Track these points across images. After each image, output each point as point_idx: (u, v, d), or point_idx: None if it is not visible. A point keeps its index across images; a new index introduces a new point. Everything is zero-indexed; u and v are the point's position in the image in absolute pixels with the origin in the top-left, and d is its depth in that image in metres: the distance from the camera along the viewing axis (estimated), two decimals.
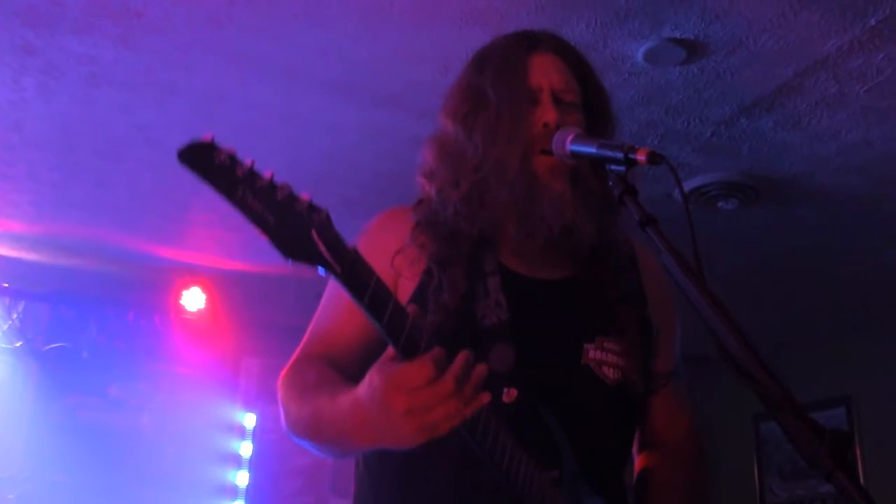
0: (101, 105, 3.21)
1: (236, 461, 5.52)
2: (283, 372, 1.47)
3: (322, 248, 1.10)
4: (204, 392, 5.45)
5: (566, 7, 2.59)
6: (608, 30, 2.68)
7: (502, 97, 1.47)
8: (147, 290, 5.16)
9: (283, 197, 1.09)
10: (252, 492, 5.47)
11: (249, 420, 5.58)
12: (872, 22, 2.60)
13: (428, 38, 2.74)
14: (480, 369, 1.14)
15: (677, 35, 2.69)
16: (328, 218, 1.13)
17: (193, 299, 5.01)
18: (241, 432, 5.58)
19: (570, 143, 1.36)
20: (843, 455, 0.90)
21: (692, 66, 2.86)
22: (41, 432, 5.07)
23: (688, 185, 3.63)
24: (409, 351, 1.14)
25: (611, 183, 1.25)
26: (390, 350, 1.16)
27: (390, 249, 1.49)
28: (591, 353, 1.46)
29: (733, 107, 3.09)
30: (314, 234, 1.10)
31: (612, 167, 1.25)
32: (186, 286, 5.00)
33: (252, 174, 1.08)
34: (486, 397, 1.15)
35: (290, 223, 1.09)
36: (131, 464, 5.14)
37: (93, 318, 5.32)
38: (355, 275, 1.13)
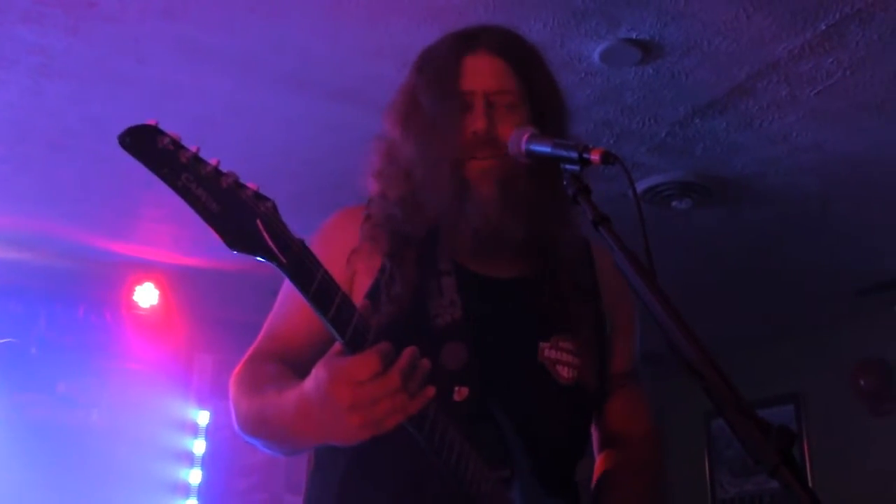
0: (51, 96, 3.15)
1: (189, 459, 5.45)
2: (236, 370, 1.46)
3: (267, 238, 1.08)
4: (156, 389, 5.38)
5: (524, 6, 2.60)
6: (565, 29, 2.70)
7: (434, 103, 1.47)
8: (98, 285, 5.07)
9: (229, 185, 1.06)
10: (205, 490, 5.41)
11: (203, 417, 5.52)
12: (822, 27, 2.65)
13: (386, 32, 2.73)
14: (425, 364, 1.14)
15: (633, 35, 2.72)
16: (275, 208, 1.11)
17: (146, 295, 4.94)
18: (193, 430, 5.52)
19: (525, 143, 1.36)
20: (788, 451, 0.92)
21: (647, 67, 2.89)
22: None
23: (642, 185, 3.67)
24: (355, 345, 1.13)
25: (565, 182, 1.26)
26: (337, 345, 1.15)
27: (345, 248, 1.49)
28: (546, 352, 1.46)
29: (687, 107, 3.13)
30: (260, 223, 1.08)
31: (567, 166, 1.26)
32: (139, 282, 4.93)
33: (197, 160, 1.05)
34: (431, 392, 1.15)
35: (234, 212, 1.06)
36: (82, 462, 5.05)
37: (42, 313, 5.21)
38: (301, 266, 1.11)
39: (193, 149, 1.06)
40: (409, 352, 1.13)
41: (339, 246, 1.49)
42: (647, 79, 2.96)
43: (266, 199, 1.11)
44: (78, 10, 2.66)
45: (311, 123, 3.32)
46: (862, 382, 5.15)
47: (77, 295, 5.25)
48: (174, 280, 4.94)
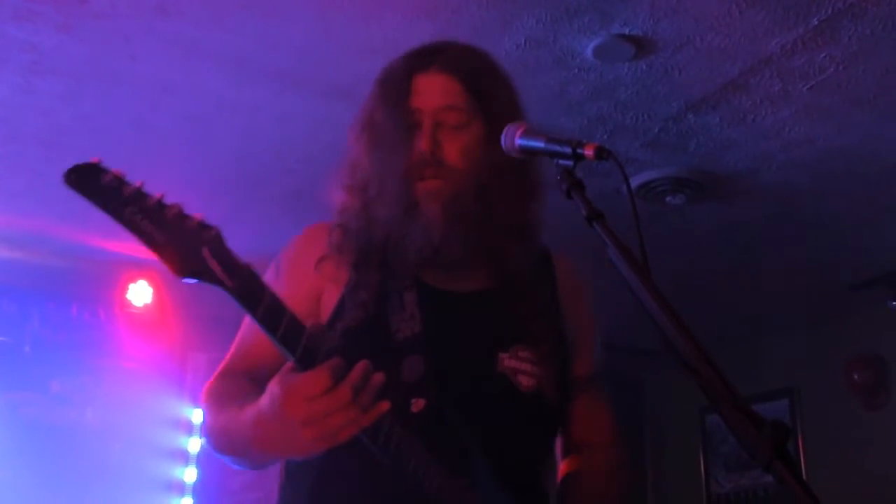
0: (42, 94, 3.14)
1: (184, 457, 5.44)
2: (206, 385, 1.50)
3: (213, 265, 1.13)
4: (150, 387, 5.36)
5: (516, 2, 2.60)
6: (558, 25, 2.69)
7: (385, 121, 1.50)
8: (91, 283, 5.06)
9: (173, 216, 1.11)
10: (200, 488, 5.40)
11: (197, 415, 5.51)
12: (815, 22, 2.65)
13: (380, 29, 2.73)
14: (378, 378, 1.18)
15: (626, 31, 2.72)
16: (219, 236, 1.16)
17: (140, 293, 4.92)
18: (188, 428, 5.50)
19: (518, 138, 1.36)
20: (783, 446, 0.92)
21: (641, 63, 2.89)
22: None
23: (636, 181, 3.67)
24: (305, 363, 1.18)
25: (558, 177, 1.26)
26: (290, 362, 1.19)
27: (314, 259, 1.53)
28: (506, 362, 1.48)
29: (680, 103, 3.13)
30: (206, 251, 1.13)
31: (560, 162, 1.26)
32: (133, 280, 4.91)
33: (140, 194, 1.10)
34: (384, 405, 1.19)
35: (180, 241, 1.11)
36: (76, 461, 5.03)
37: (35, 311, 5.19)
38: (248, 290, 1.16)
39: (137, 183, 1.11)
40: (360, 366, 1.17)
41: (308, 258, 1.53)
42: (641, 74, 2.96)
43: (210, 227, 1.15)
44: (69, 8, 2.64)
45: (306, 121, 3.31)
46: (856, 377, 5.16)
47: (70, 293, 5.24)
48: (168, 278, 4.91)
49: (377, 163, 1.50)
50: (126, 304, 4.94)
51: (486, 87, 1.54)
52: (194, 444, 5.47)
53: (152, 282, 4.94)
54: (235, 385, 1.46)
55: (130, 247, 5.06)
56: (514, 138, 1.36)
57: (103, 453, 5.14)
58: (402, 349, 1.43)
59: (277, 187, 3.82)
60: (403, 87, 1.51)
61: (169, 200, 1.12)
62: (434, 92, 1.50)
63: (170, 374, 5.45)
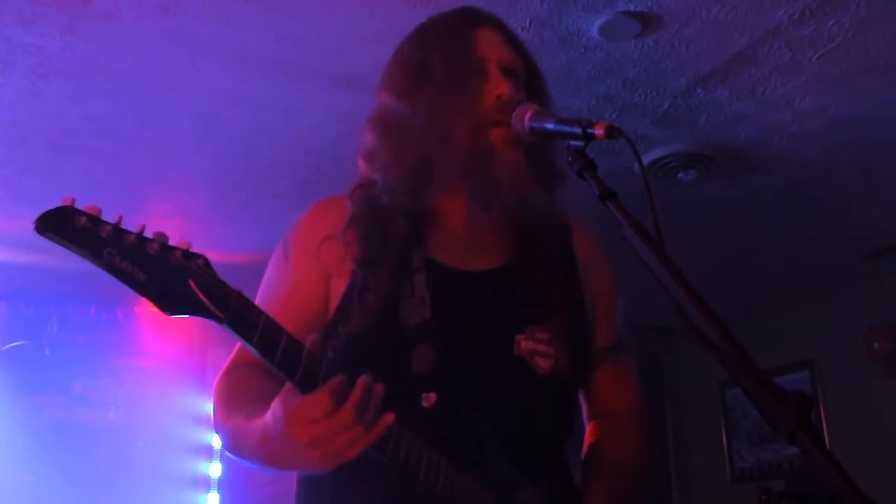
0: (50, 96, 3.15)
1: (208, 452, 5.49)
2: (218, 379, 1.47)
3: (202, 296, 1.08)
4: (171, 384, 5.40)
5: None
6: (563, 4, 2.68)
7: (450, 70, 1.44)
8: (108, 283, 5.06)
9: (155, 251, 1.07)
10: (226, 482, 5.45)
11: None
12: None
13: (383, 17, 2.72)
14: (378, 390, 1.15)
15: (631, 8, 2.70)
16: (207, 265, 1.11)
17: None
18: (210, 423, 5.54)
19: (529, 120, 1.36)
20: (806, 417, 0.92)
21: (647, 39, 2.87)
22: (6, 433, 4.99)
23: (647, 158, 3.65)
24: (306, 384, 1.14)
25: (570, 158, 1.25)
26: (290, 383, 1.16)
27: (318, 240, 1.47)
28: (523, 344, 1.44)
29: (689, 78, 3.11)
30: (192, 283, 1.08)
31: (571, 142, 1.25)
32: None
33: (118, 233, 1.05)
34: (389, 419, 1.16)
35: (164, 277, 1.07)
36: (101, 460, 5.08)
37: (54, 314, 5.24)
38: (241, 318, 1.11)
39: (115, 220, 1.05)
40: (361, 383, 1.14)
41: (313, 239, 1.48)
42: (648, 51, 2.94)
43: (196, 256, 1.11)
44: (73, 9, 2.65)
45: (314, 112, 3.31)
46: (875, 345, 5.14)
47: (88, 295, 5.27)
48: None
49: (440, 113, 1.41)
50: (144, 303, 4.97)
51: (526, 56, 1.54)
52: (218, 440, 5.51)
53: None
54: (244, 379, 1.42)
55: None
56: (525, 121, 1.36)
57: (127, 452, 5.19)
58: (411, 337, 1.37)
59: (287, 180, 3.82)
60: (467, 37, 1.47)
61: (150, 232, 1.08)
62: (499, 45, 1.49)
63: (190, 371, 5.49)
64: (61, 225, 1.03)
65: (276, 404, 1.17)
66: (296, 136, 3.50)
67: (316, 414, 1.12)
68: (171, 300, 1.07)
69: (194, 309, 1.08)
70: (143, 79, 3.05)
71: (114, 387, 5.32)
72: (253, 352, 1.13)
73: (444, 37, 1.49)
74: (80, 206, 1.05)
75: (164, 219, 4.21)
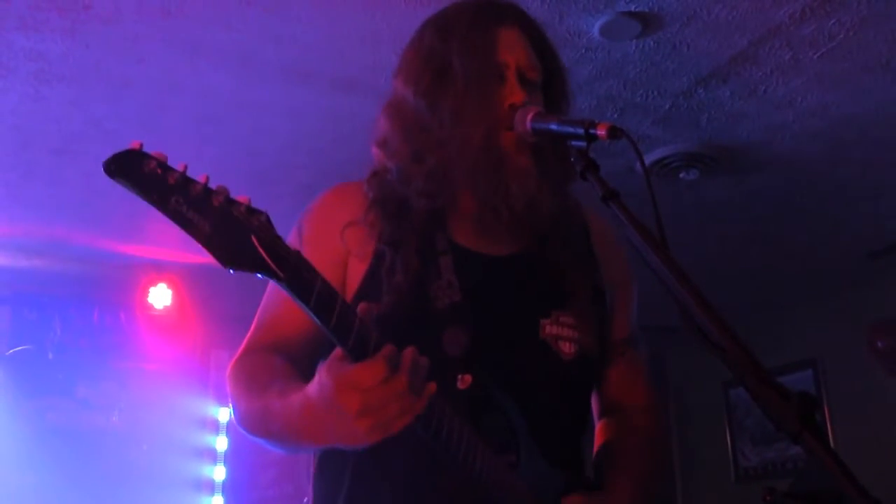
0: (52, 101, 3.15)
1: (212, 456, 5.49)
2: (231, 364, 1.44)
3: (263, 253, 1.06)
4: (174, 388, 5.41)
5: None
6: (563, 5, 2.68)
7: (470, 72, 1.42)
8: (111, 287, 5.09)
9: (220, 203, 1.04)
10: (230, 485, 5.45)
11: (223, 414, 5.55)
12: None
13: (383, 19, 2.72)
14: (424, 362, 1.14)
15: (632, 8, 2.70)
16: (268, 221, 1.09)
17: (160, 296, 4.96)
18: (215, 426, 5.55)
19: (531, 122, 1.36)
20: (810, 417, 0.92)
21: (648, 39, 2.87)
22: (10, 436, 5.00)
23: (649, 158, 3.65)
24: (358, 351, 1.12)
25: (572, 159, 1.25)
26: (339, 349, 1.13)
27: (340, 224, 1.46)
28: (548, 329, 1.45)
29: (690, 78, 3.11)
30: (254, 239, 1.06)
31: (573, 143, 1.25)
32: (153, 283, 4.94)
33: (186, 181, 1.02)
34: (432, 388, 1.14)
35: (228, 230, 1.04)
36: (105, 464, 5.09)
37: (57, 318, 5.24)
38: (300, 279, 1.09)
39: (181, 167, 1.03)
40: (410, 352, 1.13)
41: (334, 222, 1.47)
42: (649, 51, 2.94)
43: (259, 212, 1.08)
44: (74, 14, 2.65)
45: (316, 114, 3.31)
46: (879, 344, 5.13)
47: (91, 298, 5.28)
48: (187, 279, 4.95)
49: (460, 117, 1.40)
50: (147, 307, 4.98)
51: (547, 51, 1.53)
52: (222, 443, 5.52)
53: (172, 284, 4.97)
54: (266, 362, 1.39)
55: (149, 250, 5.08)
56: (526, 122, 1.36)
57: (131, 455, 5.20)
58: (442, 320, 1.37)
59: (288, 182, 3.82)
60: (489, 38, 1.45)
61: (213, 184, 1.05)
62: (519, 47, 1.47)
63: (193, 374, 5.49)
64: (131, 168, 1.00)
65: (323, 373, 1.13)
66: (297, 139, 3.50)
67: (369, 381, 1.09)
68: (233, 255, 1.04)
69: (254, 266, 1.06)
70: (145, 82, 3.05)
71: (117, 390, 5.33)
72: (309, 314, 1.10)
73: (465, 35, 1.47)
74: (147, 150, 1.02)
75: (168, 222, 4.21)
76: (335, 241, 1.45)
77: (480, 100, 1.41)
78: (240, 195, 1.08)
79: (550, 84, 1.51)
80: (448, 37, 1.48)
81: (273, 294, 1.51)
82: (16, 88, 3.06)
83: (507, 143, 1.40)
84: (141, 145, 1.01)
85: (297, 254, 1.10)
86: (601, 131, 1.21)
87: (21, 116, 3.26)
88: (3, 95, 3.10)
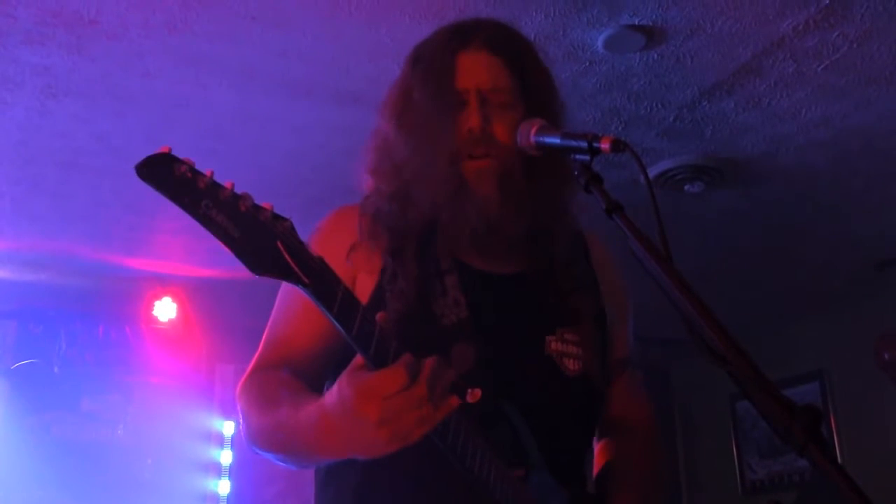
0: (58, 116, 3.17)
1: (217, 470, 5.47)
2: (242, 381, 1.45)
3: (289, 259, 1.07)
4: (179, 401, 5.40)
5: None
6: (567, 19, 2.69)
7: (428, 100, 1.45)
8: (116, 301, 5.10)
9: (247, 208, 1.05)
10: (235, 499, 5.43)
11: (228, 427, 5.54)
12: (826, 1, 2.62)
13: (387, 32, 2.73)
14: (449, 373, 1.14)
15: (635, 21, 2.70)
16: (292, 227, 1.10)
17: (165, 309, 4.96)
18: (219, 440, 5.54)
19: (534, 135, 1.36)
20: (816, 430, 0.91)
21: (652, 52, 2.87)
22: (16, 450, 5.00)
23: (653, 170, 3.65)
24: (379, 359, 1.12)
25: (576, 172, 1.25)
26: (359, 358, 1.13)
27: (345, 246, 1.48)
28: (553, 345, 1.46)
29: (694, 90, 3.11)
30: (280, 245, 1.07)
31: (577, 156, 1.26)
32: (158, 297, 4.95)
33: (214, 185, 1.04)
34: (454, 401, 1.14)
35: (255, 236, 1.05)
36: (109, 477, 5.08)
37: (62, 332, 5.25)
38: (323, 285, 1.10)
39: (208, 173, 1.05)
40: (431, 361, 1.12)
41: (339, 244, 1.48)
42: (652, 64, 2.94)
43: (283, 218, 1.09)
44: (80, 29, 2.67)
45: (320, 128, 3.32)
46: (886, 355, 5.10)
47: (96, 312, 5.28)
48: (192, 292, 4.95)
49: (418, 143, 1.44)
50: (152, 321, 4.98)
51: (526, 67, 1.51)
52: (227, 456, 5.50)
53: (176, 297, 4.97)
54: (277, 379, 1.39)
55: (154, 263, 5.09)
56: (530, 136, 1.36)
57: (136, 469, 5.19)
58: (449, 336, 1.39)
59: (294, 196, 3.83)
60: (446, 65, 1.46)
61: (239, 190, 1.06)
62: (479, 70, 1.46)
63: (198, 388, 5.49)
64: (163, 171, 1.02)
65: (342, 384, 1.13)
66: (302, 153, 3.51)
67: (390, 389, 1.09)
68: (261, 260, 1.05)
69: (280, 271, 1.07)
70: (151, 97, 3.06)
71: (122, 404, 5.32)
72: (332, 320, 1.11)
73: (427, 63, 1.49)
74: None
75: (172, 236, 4.23)
76: (341, 264, 1.45)
77: (439, 127, 1.42)
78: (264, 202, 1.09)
79: (533, 101, 1.49)
80: (415, 65, 1.52)
81: (281, 311, 1.52)
82: (22, 103, 3.07)
83: (470, 171, 1.42)
84: (171, 149, 1.03)
85: (321, 260, 1.11)
86: (605, 145, 1.21)
87: (27, 131, 3.27)
88: (10, 110, 3.12)
